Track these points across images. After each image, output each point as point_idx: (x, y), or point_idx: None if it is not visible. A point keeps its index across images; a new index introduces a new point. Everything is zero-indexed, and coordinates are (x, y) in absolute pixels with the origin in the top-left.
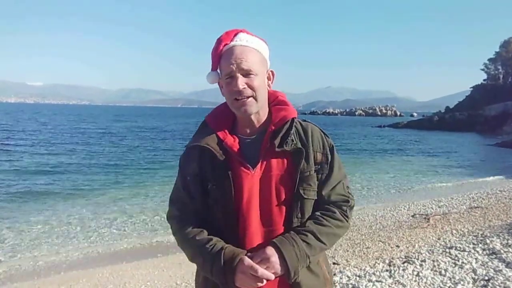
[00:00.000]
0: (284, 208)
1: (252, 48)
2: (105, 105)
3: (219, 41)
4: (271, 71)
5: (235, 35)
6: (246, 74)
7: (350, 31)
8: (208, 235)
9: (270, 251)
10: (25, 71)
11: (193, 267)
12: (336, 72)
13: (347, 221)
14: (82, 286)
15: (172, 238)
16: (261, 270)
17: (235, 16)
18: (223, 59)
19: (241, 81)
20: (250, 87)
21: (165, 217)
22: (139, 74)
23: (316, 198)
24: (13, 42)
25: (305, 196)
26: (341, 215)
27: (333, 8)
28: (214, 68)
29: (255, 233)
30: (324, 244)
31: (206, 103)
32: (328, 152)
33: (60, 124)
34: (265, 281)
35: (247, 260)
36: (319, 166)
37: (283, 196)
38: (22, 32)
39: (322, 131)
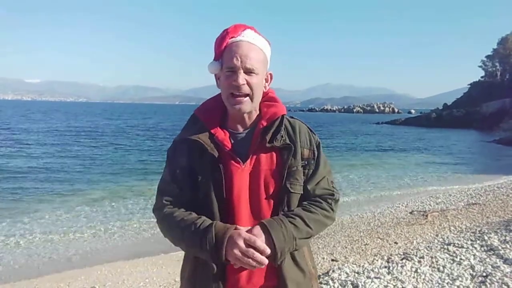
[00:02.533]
0: (272, 201)
1: (258, 47)
2: (103, 102)
3: (226, 32)
4: (270, 74)
5: (243, 30)
6: (248, 71)
7: (348, 28)
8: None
9: (257, 230)
10: (23, 68)
11: None
12: (334, 69)
13: (333, 212)
14: (81, 283)
15: None
16: (259, 241)
17: (233, 12)
18: (227, 52)
19: (242, 77)
20: (249, 85)
21: (152, 210)
22: (137, 71)
23: (302, 192)
24: (10, 38)
25: (292, 190)
26: (327, 206)
27: (332, 5)
28: (216, 58)
29: (245, 225)
30: (311, 229)
31: (203, 100)
32: (315, 149)
33: (54, 123)
34: (260, 257)
35: (244, 231)
36: (305, 162)
37: (271, 190)
38: (19, 28)
39: (309, 128)
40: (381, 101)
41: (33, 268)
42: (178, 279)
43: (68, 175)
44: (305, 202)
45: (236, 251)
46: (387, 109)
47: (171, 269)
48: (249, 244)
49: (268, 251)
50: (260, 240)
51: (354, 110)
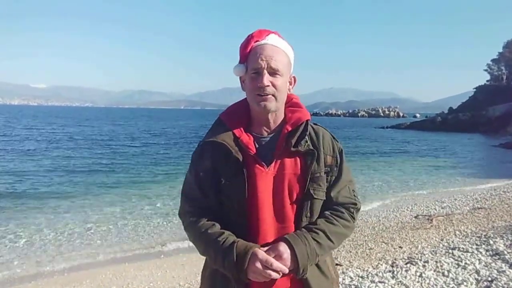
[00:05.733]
0: (295, 206)
1: (282, 50)
2: (108, 107)
3: (250, 36)
4: (294, 77)
5: (267, 35)
6: (273, 73)
7: (353, 32)
8: (220, 229)
9: (283, 248)
10: (29, 73)
11: (196, 268)
12: (339, 73)
13: (353, 222)
14: (86, 287)
15: (175, 238)
16: (276, 263)
17: (237, 17)
18: (253, 55)
19: (267, 78)
20: (274, 86)
21: (177, 213)
22: (142, 75)
23: (324, 198)
24: (17, 44)
25: (315, 196)
26: (349, 216)
27: (336, 9)
28: (241, 61)
29: (269, 229)
30: (333, 243)
31: (208, 105)
32: (338, 156)
33: (64, 126)
34: (277, 275)
35: (261, 253)
36: (328, 169)
37: (295, 195)
38: (25, 33)
39: (332, 135)
40: (386, 105)
41: (39, 271)
42: (182, 283)
43: (75, 178)
44: (327, 212)
45: (255, 274)
46: (392, 113)
47: (175, 273)
48: (266, 266)
49: (286, 270)
50: (277, 262)
51: (359, 114)
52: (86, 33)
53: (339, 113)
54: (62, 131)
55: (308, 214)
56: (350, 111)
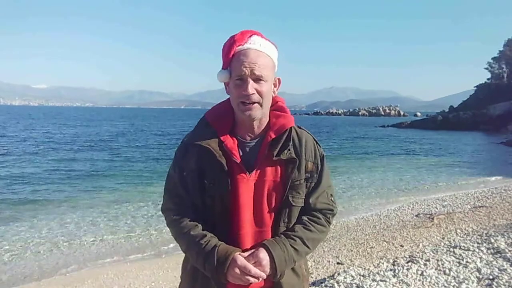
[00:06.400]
0: (274, 212)
1: (265, 54)
2: (109, 107)
3: (233, 40)
4: (278, 79)
5: (249, 37)
6: (257, 79)
7: (353, 30)
8: (202, 229)
9: (263, 254)
10: (30, 74)
11: None
12: (339, 72)
13: (329, 227)
14: (87, 287)
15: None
16: (255, 270)
17: (237, 15)
18: (236, 60)
19: (251, 86)
20: (259, 92)
21: (160, 209)
22: (143, 75)
23: (303, 205)
24: (17, 44)
25: (294, 204)
26: (325, 221)
27: (336, 7)
28: (224, 67)
29: (247, 233)
30: (309, 248)
31: (209, 105)
32: (319, 162)
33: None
34: (255, 280)
35: (241, 259)
36: (309, 175)
37: (274, 201)
38: (25, 33)
39: (315, 140)
40: (386, 104)
41: (41, 271)
42: None
43: (76, 179)
44: (305, 218)
45: (234, 278)
46: (392, 112)
47: (177, 273)
48: (244, 272)
49: (264, 276)
50: (255, 269)
51: (360, 113)
52: (86, 33)
53: (339, 112)
54: (63, 132)
55: (286, 220)
56: (351, 110)
